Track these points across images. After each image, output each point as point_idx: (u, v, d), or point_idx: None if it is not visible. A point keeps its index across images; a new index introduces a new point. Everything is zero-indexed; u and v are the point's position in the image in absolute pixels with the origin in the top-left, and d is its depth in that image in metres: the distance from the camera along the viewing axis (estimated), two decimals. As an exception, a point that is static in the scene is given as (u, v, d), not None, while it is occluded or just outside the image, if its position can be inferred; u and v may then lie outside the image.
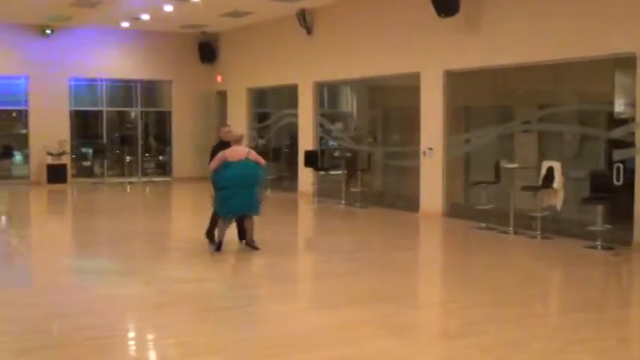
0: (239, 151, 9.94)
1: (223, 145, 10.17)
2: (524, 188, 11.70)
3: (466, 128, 14.40)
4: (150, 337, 6.51)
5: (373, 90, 17.88)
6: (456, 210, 13.84)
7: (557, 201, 11.20)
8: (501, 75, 13.27)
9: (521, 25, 12.19)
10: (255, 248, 10.13)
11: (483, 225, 12.42)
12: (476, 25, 13.00)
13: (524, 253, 10.85)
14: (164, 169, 22.69)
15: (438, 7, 13.03)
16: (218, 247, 9.95)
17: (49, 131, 20.33)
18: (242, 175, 9.80)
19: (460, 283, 8.71)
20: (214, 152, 10.15)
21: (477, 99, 14.43)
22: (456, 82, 13.81)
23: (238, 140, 10.11)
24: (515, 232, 11.75)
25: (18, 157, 21.34)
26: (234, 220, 10.22)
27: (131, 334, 6.67)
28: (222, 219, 10.01)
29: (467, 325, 6.74)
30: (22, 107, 20.74)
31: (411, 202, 14.64)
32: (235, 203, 9.87)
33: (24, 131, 20.96)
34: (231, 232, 10.29)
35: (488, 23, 12.85)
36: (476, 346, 6.02)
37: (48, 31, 20.07)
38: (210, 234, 10.34)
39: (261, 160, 10.13)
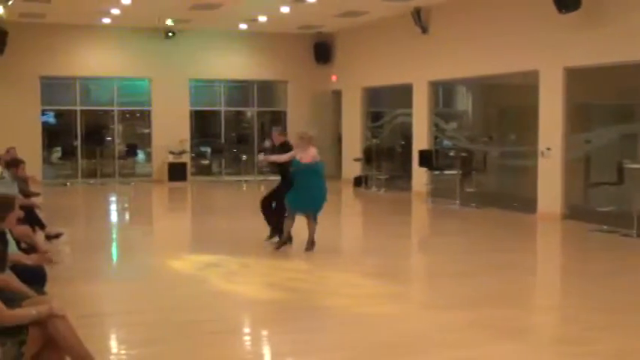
0: (311, 153, 10.04)
1: (280, 147, 10.54)
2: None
3: (587, 127, 13.95)
4: (264, 332, 6.66)
5: (489, 88, 17.58)
6: (576, 212, 13.42)
7: (685, 204, 10.70)
8: (625, 72, 12.77)
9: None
10: (310, 248, 10.12)
11: (604, 227, 12.01)
12: (598, 20, 12.57)
13: (649, 257, 10.42)
14: (279, 167, 23.02)
15: (559, 2, 12.69)
16: (282, 243, 10.09)
17: (171, 131, 21.08)
18: (309, 173, 9.94)
19: (578, 288, 8.46)
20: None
21: (598, 97, 13.94)
22: (577, 79, 13.40)
23: (309, 141, 10.13)
24: (639, 235, 11.30)
25: (141, 155, 22.21)
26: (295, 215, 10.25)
27: (246, 329, 6.84)
28: (288, 215, 10.12)
29: (585, 331, 6.54)
30: (146, 108, 21.59)
31: (527, 204, 14.30)
32: (300, 200, 9.99)
33: (147, 131, 21.82)
34: (347, 231, 10.34)
35: (611, 18, 12.39)
36: (594, 353, 5.85)
37: (170, 34, 20.78)
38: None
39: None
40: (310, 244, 10.08)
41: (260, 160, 10.36)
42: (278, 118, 23.08)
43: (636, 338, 6.27)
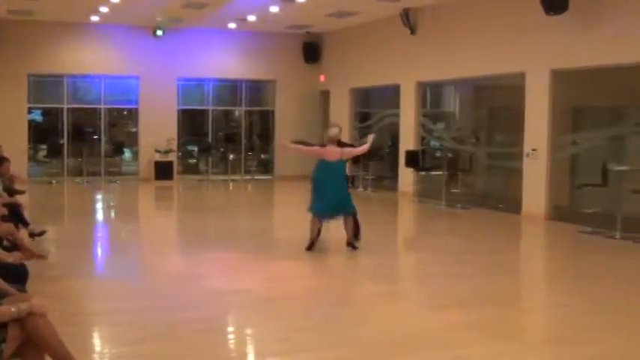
0: (335, 152, 10.05)
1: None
2: (636, 192, 11.30)
3: (573, 129, 14.00)
4: (254, 332, 6.63)
5: (476, 90, 17.65)
6: (560, 213, 13.49)
7: (669, 206, 10.77)
8: (612, 74, 12.83)
9: (635, 22, 11.77)
10: (354, 248, 10.18)
11: (589, 229, 12.07)
12: (585, 22, 12.62)
13: (633, 258, 10.45)
14: (266, 167, 23.06)
15: (547, 4, 12.74)
16: (310, 246, 10.00)
17: (158, 129, 21.01)
18: (333, 175, 9.94)
19: (566, 289, 8.50)
20: None
21: (585, 99, 13.99)
22: (564, 81, 13.45)
23: (332, 140, 10.12)
24: (623, 237, 11.36)
25: (128, 154, 22.13)
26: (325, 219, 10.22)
27: (237, 329, 6.80)
28: (313, 217, 10.08)
29: (575, 331, 6.57)
30: (133, 106, 21.52)
31: (513, 204, 14.36)
32: (329, 202, 9.96)
33: (134, 129, 21.75)
34: (335, 230, 10.35)
35: (598, 21, 12.45)
36: (584, 354, 5.88)
37: (159, 33, 20.74)
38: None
39: (356, 151, 10.44)
40: (352, 242, 10.11)
41: (282, 144, 10.25)
42: (266, 118, 23.06)
43: (628, 339, 6.30)
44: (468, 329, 6.51)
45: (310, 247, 10.00)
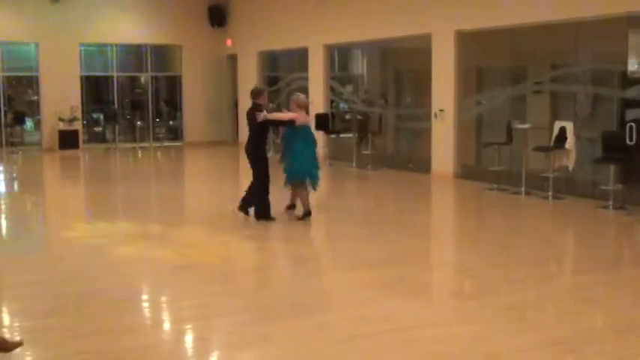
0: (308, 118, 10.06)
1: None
2: (536, 149, 11.68)
3: (478, 89, 14.33)
4: (167, 299, 6.58)
5: (384, 52, 17.78)
6: (468, 171, 13.83)
7: (570, 161, 11.18)
8: (514, 35, 13.14)
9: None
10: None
11: (495, 186, 12.43)
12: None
13: (536, 213, 10.86)
14: (175, 133, 22.71)
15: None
16: (308, 213, 9.75)
17: (60, 97, 20.35)
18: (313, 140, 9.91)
19: (473, 245, 8.75)
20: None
21: (489, 60, 14.32)
22: (468, 42, 13.71)
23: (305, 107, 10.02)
24: (527, 193, 11.75)
25: (29, 123, 21.39)
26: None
27: (149, 297, 6.73)
28: (302, 184, 9.84)
29: (480, 285, 6.80)
30: (33, 74, 20.76)
31: (422, 164, 14.64)
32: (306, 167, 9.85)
33: (35, 98, 21.00)
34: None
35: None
36: (489, 305, 6.07)
37: (57, -3, 20.04)
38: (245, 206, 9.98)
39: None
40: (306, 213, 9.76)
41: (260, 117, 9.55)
42: (173, 83, 22.67)
43: (529, 291, 6.54)
44: (374, 288, 6.63)
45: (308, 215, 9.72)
